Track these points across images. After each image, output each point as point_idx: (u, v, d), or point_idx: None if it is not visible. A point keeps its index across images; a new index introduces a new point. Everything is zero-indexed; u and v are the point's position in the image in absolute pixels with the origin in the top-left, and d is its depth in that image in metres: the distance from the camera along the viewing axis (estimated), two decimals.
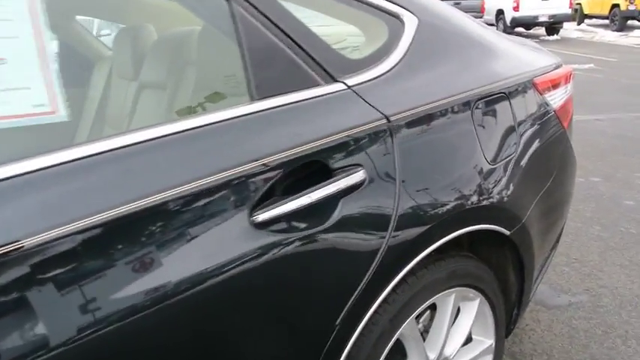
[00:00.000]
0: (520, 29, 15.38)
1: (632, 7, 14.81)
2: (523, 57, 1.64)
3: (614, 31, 14.86)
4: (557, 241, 1.88)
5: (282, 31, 1.05)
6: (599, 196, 3.56)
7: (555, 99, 1.66)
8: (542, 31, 15.40)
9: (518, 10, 14.59)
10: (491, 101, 1.38)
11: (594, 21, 16.67)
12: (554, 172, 1.66)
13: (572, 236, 2.98)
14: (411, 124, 1.16)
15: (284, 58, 1.04)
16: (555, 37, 14.79)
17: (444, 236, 1.18)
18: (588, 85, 7.41)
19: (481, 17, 14.92)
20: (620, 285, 2.51)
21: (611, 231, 3.05)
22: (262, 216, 0.91)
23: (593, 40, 14.11)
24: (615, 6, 15.31)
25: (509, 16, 14.75)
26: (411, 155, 1.14)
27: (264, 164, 0.92)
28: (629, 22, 15.22)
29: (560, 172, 1.70)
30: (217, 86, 1.13)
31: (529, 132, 1.50)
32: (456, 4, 14.40)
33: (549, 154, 1.64)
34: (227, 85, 1.10)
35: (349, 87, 1.12)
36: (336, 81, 1.10)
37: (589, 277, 2.59)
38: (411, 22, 1.29)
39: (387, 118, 1.12)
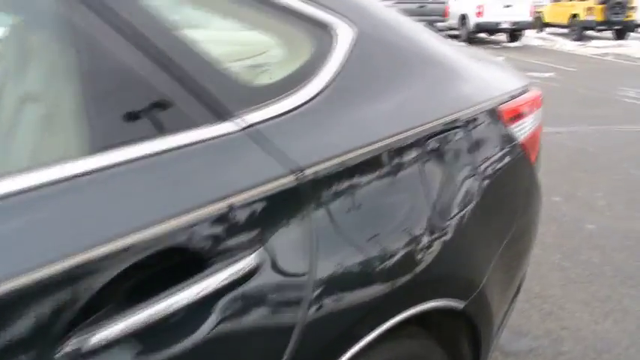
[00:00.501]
0: (483, 35, 15.42)
1: (590, 18, 15.04)
2: (488, 79, 1.36)
3: (572, 40, 15.05)
4: (519, 291, 1.62)
5: (141, 46, 0.71)
6: (560, 218, 3.37)
7: (523, 129, 1.39)
8: (504, 37, 15.47)
9: (481, 16, 14.63)
10: (446, 139, 1.09)
11: (554, 29, 16.88)
12: (518, 216, 1.39)
13: (533, 266, 2.74)
14: (335, 178, 0.85)
15: (140, 86, 0.71)
16: (517, 43, 14.88)
17: (377, 327, 0.88)
18: (549, 95, 7.29)
19: (444, 21, 14.86)
20: (582, 326, 2.29)
21: (572, 260, 2.84)
22: (81, 343, 0.58)
23: (553, 48, 14.24)
24: (574, 16, 15.52)
25: (472, 21, 14.77)
26: (332, 223, 0.83)
27: (91, 260, 0.59)
28: (588, 32, 15.45)
29: (525, 215, 1.43)
30: (34, 129, 0.78)
31: (491, 173, 1.22)
32: (420, 7, 14.32)
33: (514, 197, 1.37)
34: (49, 128, 0.75)
35: (246, 127, 0.80)
36: (228, 118, 0.78)
37: (550, 317, 2.35)
38: (345, 35, 0.99)
39: (299, 171, 0.80)
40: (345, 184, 0.86)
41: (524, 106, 1.39)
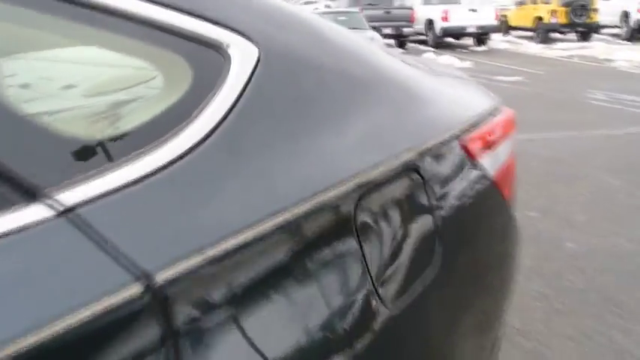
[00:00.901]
0: (450, 39, 15.38)
1: (554, 20, 15.15)
2: (448, 102, 1.07)
3: (538, 42, 15.12)
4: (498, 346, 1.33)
5: None
6: (537, 237, 3.12)
7: (495, 160, 1.11)
8: (470, 41, 15.45)
9: (447, 21, 14.59)
10: (390, 189, 0.80)
11: (520, 33, 16.96)
12: (492, 275, 1.10)
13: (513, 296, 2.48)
14: (209, 282, 0.54)
15: None
16: (484, 47, 14.86)
17: None
18: (518, 100, 7.16)
19: (411, 27, 14.75)
20: None
21: (554, 286, 2.59)
22: None
23: (519, 51, 14.26)
24: (539, 19, 15.60)
25: (439, 26, 14.73)
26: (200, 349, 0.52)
27: None
28: (552, 34, 15.54)
29: (501, 270, 1.15)
30: None
31: (454, 228, 0.93)
32: (387, 13, 14.18)
33: (486, 250, 1.08)
34: None
35: (64, 211, 0.49)
36: (36, 199, 0.48)
37: (534, 357, 2.08)
38: (244, 57, 0.68)
39: (147, 277, 0.50)
40: (221, 292, 0.55)
41: (495, 132, 1.11)
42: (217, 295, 0.55)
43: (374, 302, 0.72)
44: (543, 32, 15.42)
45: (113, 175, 0.53)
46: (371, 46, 1.01)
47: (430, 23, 15.03)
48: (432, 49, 14.03)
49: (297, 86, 0.73)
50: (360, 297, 0.71)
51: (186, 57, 0.63)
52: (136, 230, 0.52)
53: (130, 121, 0.59)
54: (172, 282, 0.51)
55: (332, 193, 0.68)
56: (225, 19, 0.67)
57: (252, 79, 0.66)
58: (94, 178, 0.52)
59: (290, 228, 0.62)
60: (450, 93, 1.11)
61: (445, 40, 15.18)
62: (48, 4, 0.57)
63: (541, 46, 14.62)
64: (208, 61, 0.64)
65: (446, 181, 0.91)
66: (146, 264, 0.50)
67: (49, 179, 0.50)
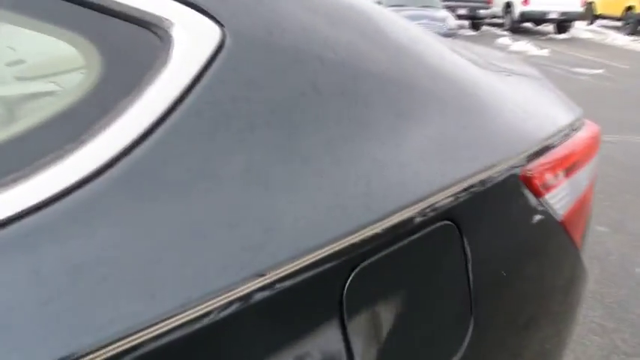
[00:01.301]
0: (528, 25, 14.48)
1: None
2: (511, 116, 0.81)
3: (626, 34, 13.97)
4: None
5: None
6: (605, 257, 2.77)
7: (567, 196, 0.84)
8: (551, 28, 14.47)
9: (528, 4, 13.69)
10: (410, 248, 0.56)
11: (606, 22, 15.75)
12: (545, 338, 0.86)
13: None
14: None
15: None
16: (565, 35, 13.88)
17: None
18: (598, 95, 6.58)
19: (488, 9, 13.94)
20: None
21: (617, 318, 2.26)
22: None
23: (604, 42, 13.22)
24: (629, 8, 14.38)
25: (517, 9, 13.85)
26: None
27: None
28: None
29: (557, 328, 0.90)
30: None
31: (496, 289, 0.69)
32: None
33: (542, 311, 0.83)
34: None
35: None
36: None
37: None
38: (197, 40, 0.46)
39: None
40: None
41: (571, 158, 0.84)
42: None
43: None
44: (633, 23, 14.21)
45: None
46: (412, 32, 0.75)
47: (508, 6, 14.16)
48: (508, 34, 13.22)
49: (283, 86, 0.50)
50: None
51: (94, 39, 0.41)
52: None
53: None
54: None
55: (316, 256, 0.46)
56: None
57: (206, 73, 0.44)
58: None
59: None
60: (516, 103, 0.84)
61: (523, 25, 14.29)
62: None
63: (629, 38, 13.48)
64: (132, 46, 0.42)
65: (490, 229, 0.66)
66: None
67: None
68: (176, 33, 0.45)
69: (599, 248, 2.85)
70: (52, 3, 0.40)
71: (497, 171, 0.66)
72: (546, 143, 0.79)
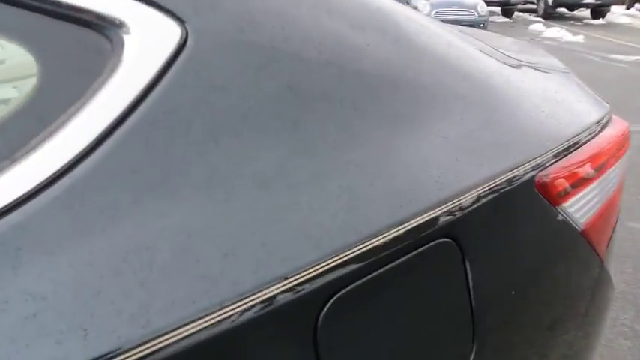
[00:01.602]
0: (563, 10, 14.02)
1: None
2: (529, 114, 0.73)
3: None
4: None
5: None
6: (636, 255, 2.64)
7: (589, 203, 0.76)
8: (586, 13, 13.97)
9: None
10: (397, 266, 0.50)
11: None
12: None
13: None
14: None
15: None
16: (601, 21, 13.38)
17: None
18: (635, 83, 6.31)
19: None
20: None
21: None
22: None
23: None
24: None
25: None
26: None
27: None
28: None
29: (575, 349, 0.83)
30: None
31: (500, 307, 0.62)
32: None
33: (560, 328, 0.76)
34: None
35: None
36: None
37: None
38: (153, 42, 0.41)
39: None
40: None
41: (595, 161, 0.76)
42: None
43: None
44: None
45: None
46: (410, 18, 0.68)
47: None
48: (541, 20, 12.82)
49: (256, 90, 0.45)
50: None
51: (30, 44, 0.37)
52: None
53: None
54: None
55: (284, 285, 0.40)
56: None
57: (163, 77, 0.39)
58: None
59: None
60: (534, 100, 0.76)
61: (557, 10, 13.84)
62: None
63: None
64: (76, 50, 0.37)
65: (496, 246, 0.59)
66: None
67: None
68: (128, 34, 0.40)
69: (631, 246, 2.73)
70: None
71: (507, 179, 0.59)
72: (566, 145, 0.72)
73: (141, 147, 0.38)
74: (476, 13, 9.39)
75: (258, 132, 0.44)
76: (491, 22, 10.84)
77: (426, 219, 0.49)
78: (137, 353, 0.34)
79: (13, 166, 0.34)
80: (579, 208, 0.73)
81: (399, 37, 0.62)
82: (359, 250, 0.44)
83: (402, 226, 0.47)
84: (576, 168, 0.73)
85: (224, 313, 0.37)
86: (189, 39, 0.42)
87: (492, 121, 0.63)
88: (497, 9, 13.33)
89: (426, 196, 0.50)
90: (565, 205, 0.70)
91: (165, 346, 0.34)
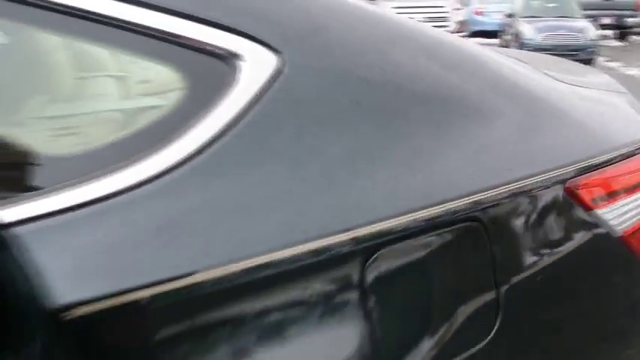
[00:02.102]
0: None
1: None
2: (571, 126, 0.84)
3: None
4: None
5: None
6: None
7: (632, 211, 0.85)
8: None
9: None
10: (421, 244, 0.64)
11: None
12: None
13: None
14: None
15: None
16: None
17: None
18: None
19: (636, 16, 12.74)
20: None
21: None
22: None
23: None
24: None
25: None
26: None
27: None
28: None
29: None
30: None
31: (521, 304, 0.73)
32: (606, 0, 12.44)
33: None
34: None
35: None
36: None
37: None
38: (258, 68, 0.60)
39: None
40: None
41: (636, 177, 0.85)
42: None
43: None
44: None
45: (64, 195, 0.50)
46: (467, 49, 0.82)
47: None
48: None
49: (329, 103, 0.62)
50: None
51: (182, 68, 0.57)
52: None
53: (98, 139, 0.56)
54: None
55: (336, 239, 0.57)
56: (239, 23, 0.59)
57: (265, 93, 0.57)
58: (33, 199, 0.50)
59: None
60: (579, 115, 0.87)
61: None
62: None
63: None
64: (207, 73, 0.57)
65: (517, 232, 0.71)
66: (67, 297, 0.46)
67: None
68: (243, 61, 0.59)
69: None
70: (154, 44, 0.56)
71: (536, 181, 0.71)
72: (603, 158, 0.82)
73: (250, 132, 0.57)
74: (584, 37, 9.02)
75: (329, 133, 0.61)
76: (604, 45, 10.33)
77: (458, 204, 0.63)
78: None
79: (183, 136, 0.55)
80: (618, 216, 0.82)
81: (446, 65, 0.77)
82: (402, 219, 0.59)
83: (438, 207, 0.62)
84: (615, 178, 0.82)
85: (300, 249, 0.54)
86: (284, 66, 0.60)
87: (528, 131, 0.76)
88: (611, 32, 12.66)
89: (458, 187, 0.64)
90: (599, 211, 0.80)
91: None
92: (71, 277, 0.48)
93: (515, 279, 0.70)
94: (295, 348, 0.58)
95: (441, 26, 8.47)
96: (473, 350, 0.66)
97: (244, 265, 0.53)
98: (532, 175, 0.73)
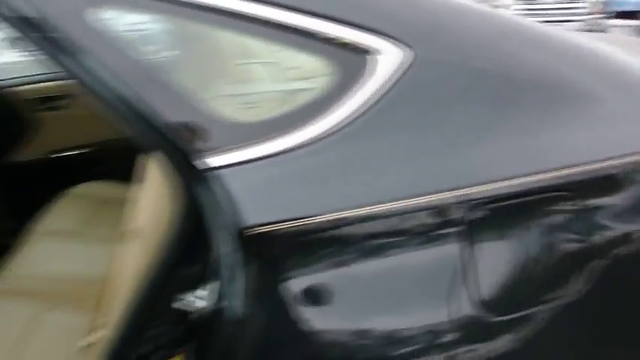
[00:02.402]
0: None
1: None
2: None
3: None
4: None
5: None
6: None
7: None
8: None
9: None
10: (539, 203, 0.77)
11: None
12: None
13: None
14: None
15: None
16: None
17: None
18: None
19: None
20: None
21: None
22: None
23: None
24: None
25: None
26: None
27: None
28: None
29: None
30: None
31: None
32: None
33: None
34: None
35: (208, 169, 0.70)
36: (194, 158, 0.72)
37: None
38: (393, 61, 0.76)
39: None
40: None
41: None
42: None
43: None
44: None
45: (245, 151, 0.71)
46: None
47: None
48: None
49: (449, 89, 0.77)
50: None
51: (336, 61, 0.75)
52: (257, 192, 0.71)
53: (267, 112, 0.76)
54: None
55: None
56: (380, 26, 0.76)
57: (400, 80, 0.74)
58: (230, 151, 0.71)
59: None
60: None
61: None
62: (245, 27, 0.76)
63: None
64: (353, 64, 0.75)
65: (610, 208, 0.80)
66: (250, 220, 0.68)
67: (205, 146, 0.71)
68: (380, 54, 0.76)
69: None
70: (312, 41, 0.75)
71: (626, 162, 0.80)
72: None
73: (385, 110, 0.74)
74: None
75: (450, 111, 0.76)
76: None
77: (553, 174, 0.76)
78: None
79: (340, 108, 0.74)
80: None
81: (554, 55, 0.87)
82: (503, 184, 0.73)
83: (532, 175, 0.75)
84: None
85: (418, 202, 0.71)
86: (415, 58, 0.76)
87: (631, 116, 0.84)
88: None
89: (549, 160, 0.77)
90: None
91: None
92: (255, 205, 0.69)
93: (617, 250, 0.80)
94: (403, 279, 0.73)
95: (572, 8, 7.98)
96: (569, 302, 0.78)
97: (376, 209, 0.70)
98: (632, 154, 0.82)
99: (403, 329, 0.73)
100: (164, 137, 0.72)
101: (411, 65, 0.76)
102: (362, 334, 0.74)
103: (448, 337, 0.74)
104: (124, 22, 0.75)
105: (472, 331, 0.74)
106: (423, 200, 0.72)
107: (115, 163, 2.17)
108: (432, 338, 0.74)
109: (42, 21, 0.70)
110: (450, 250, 0.73)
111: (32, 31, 0.70)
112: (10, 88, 2.23)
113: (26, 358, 1.17)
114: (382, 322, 0.73)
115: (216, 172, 0.70)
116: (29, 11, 0.70)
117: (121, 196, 2.01)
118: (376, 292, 0.73)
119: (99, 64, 0.71)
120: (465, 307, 0.73)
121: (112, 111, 0.72)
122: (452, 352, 0.74)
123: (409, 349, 0.74)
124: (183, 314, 0.80)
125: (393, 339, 0.74)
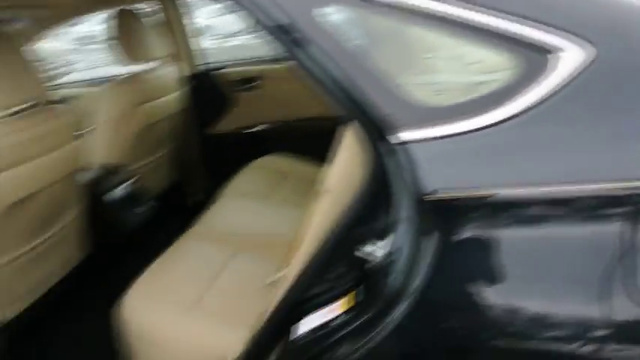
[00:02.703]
0: None
1: None
2: None
3: None
4: None
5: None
6: None
7: None
8: None
9: None
10: None
11: None
12: None
13: None
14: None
15: None
16: None
17: None
18: None
19: None
20: None
21: None
22: None
23: None
24: None
25: None
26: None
27: None
28: None
29: None
30: None
31: None
32: None
33: None
34: None
35: (399, 144, 0.83)
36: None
37: None
38: (569, 60, 0.83)
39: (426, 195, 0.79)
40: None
41: None
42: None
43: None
44: None
45: (435, 129, 0.83)
46: None
47: None
48: None
49: (629, 88, 0.81)
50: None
51: (520, 56, 0.83)
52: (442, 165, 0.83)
53: (454, 98, 0.87)
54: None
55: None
56: (564, 24, 0.82)
57: (578, 76, 0.80)
58: (423, 128, 0.84)
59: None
60: None
61: None
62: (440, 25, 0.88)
63: None
64: (537, 60, 0.83)
65: None
66: (432, 188, 0.80)
67: (400, 124, 0.85)
68: (563, 51, 0.82)
69: None
70: (497, 39, 0.84)
71: None
72: None
73: (562, 101, 0.81)
74: None
75: (625, 107, 0.80)
76: None
77: None
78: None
79: (520, 97, 0.84)
80: None
81: None
82: None
83: None
84: None
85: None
86: (597, 57, 0.81)
87: None
88: None
89: None
90: None
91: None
92: (436, 176, 0.82)
93: None
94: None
95: None
96: None
97: (547, 191, 0.78)
98: None
99: (558, 315, 0.80)
100: (365, 112, 0.87)
101: (592, 62, 0.82)
102: (515, 311, 0.82)
103: (600, 332, 0.78)
104: (339, 17, 0.92)
105: (628, 328, 0.78)
106: (592, 187, 0.78)
107: (295, 140, 2.46)
108: (583, 329, 0.79)
109: (284, 22, 0.90)
110: (612, 240, 0.78)
111: (279, 32, 0.90)
112: (217, 71, 2.64)
113: (220, 286, 1.43)
114: (536, 305, 0.81)
115: (405, 145, 0.84)
116: (277, 15, 0.91)
117: (299, 168, 2.29)
118: (538, 273, 0.81)
119: (320, 51, 0.88)
120: (623, 304, 0.78)
121: (326, 89, 0.89)
122: (603, 347, 0.79)
123: (560, 333, 0.80)
124: (361, 262, 0.95)
125: (545, 323, 0.80)
